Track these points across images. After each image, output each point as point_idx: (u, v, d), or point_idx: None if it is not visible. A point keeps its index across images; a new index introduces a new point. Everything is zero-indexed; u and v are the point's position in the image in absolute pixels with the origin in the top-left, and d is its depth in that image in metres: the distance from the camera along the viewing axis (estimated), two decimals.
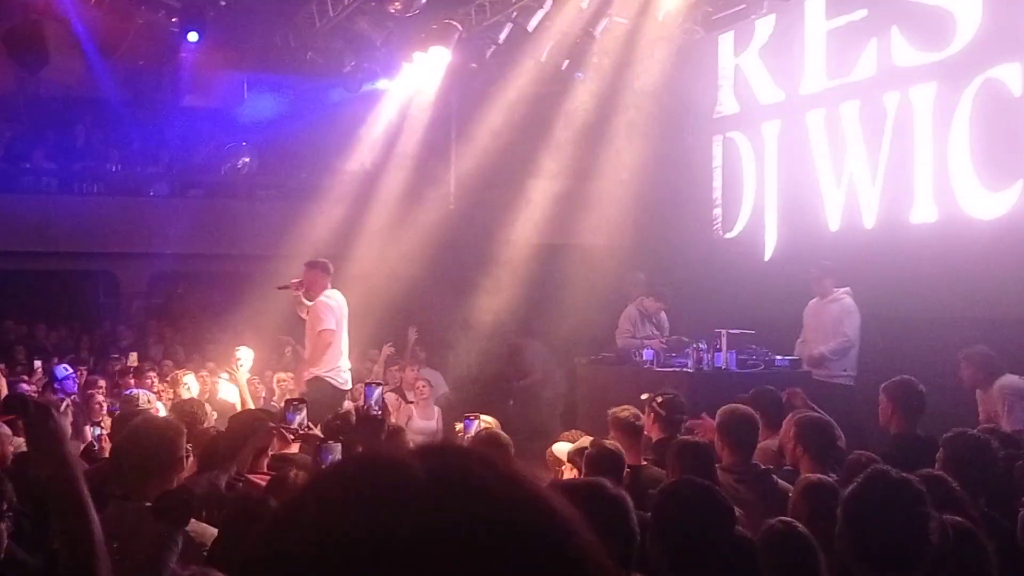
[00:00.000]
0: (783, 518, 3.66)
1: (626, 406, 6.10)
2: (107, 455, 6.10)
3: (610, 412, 6.06)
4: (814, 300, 9.94)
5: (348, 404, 9.63)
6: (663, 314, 11.00)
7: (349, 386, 9.38)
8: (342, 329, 9.38)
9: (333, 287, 9.59)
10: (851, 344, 9.59)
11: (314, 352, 9.35)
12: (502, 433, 5.89)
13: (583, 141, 13.49)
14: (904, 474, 3.37)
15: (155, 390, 9.56)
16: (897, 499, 3.18)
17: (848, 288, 9.72)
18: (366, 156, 15.55)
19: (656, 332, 10.82)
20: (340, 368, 9.37)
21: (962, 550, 3.41)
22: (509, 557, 0.81)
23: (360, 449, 5.37)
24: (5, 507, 3.80)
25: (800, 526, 3.54)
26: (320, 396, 8.56)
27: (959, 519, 3.58)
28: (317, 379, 9.19)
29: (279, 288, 9.82)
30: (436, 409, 10.80)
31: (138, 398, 7.38)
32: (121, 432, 5.08)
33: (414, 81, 13.87)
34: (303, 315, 9.51)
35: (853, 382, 9.42)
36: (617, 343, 10.79)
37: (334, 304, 9.36)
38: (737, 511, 3.79)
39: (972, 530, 3.58)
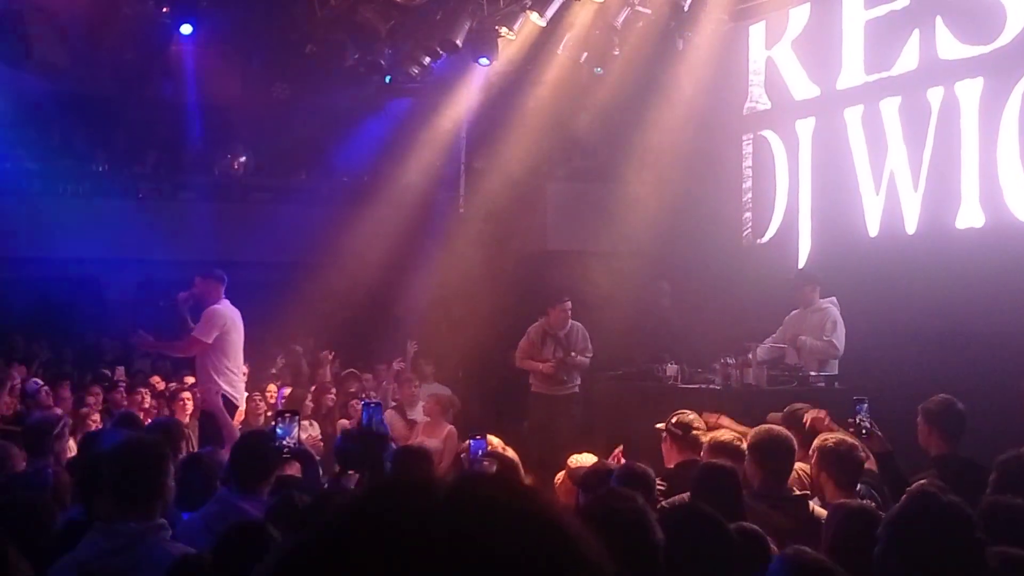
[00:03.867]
0: (798, 547, 3.65)
1: (724, 430, 6.18)
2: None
3: (711, 436, 6.10)
4: (796, 311, 9.91)
5: (343, 422, 9.82)
6: (576, 331, 10.91)
7: (242, 404, 9.74)
8: (236, 342, 9.60)
9: (327, 296, 9.76)
10: (837, 354, 9.56)
11: (172, 346, 9.92)
12: (508, 453, 5.95)
13: (603, 141, 13.50)
14: (952, 498, 3.41)
15: (146, 406, 9.68)
16: (947, 522, 3.23)
17: (834, 298, 9.68)
18: (369, 156, 15.60)
19: (560, 355, 10.79)
20: (238, 381, 9.66)
21: None
22: None
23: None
24: None
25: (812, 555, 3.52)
26: (222, 412, 8.96)
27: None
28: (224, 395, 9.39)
29: (162, 305, 10.27)
30: (447, 427, 10.74)
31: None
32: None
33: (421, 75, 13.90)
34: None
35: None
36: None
37: (228, 317, 9.57)
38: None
39: None
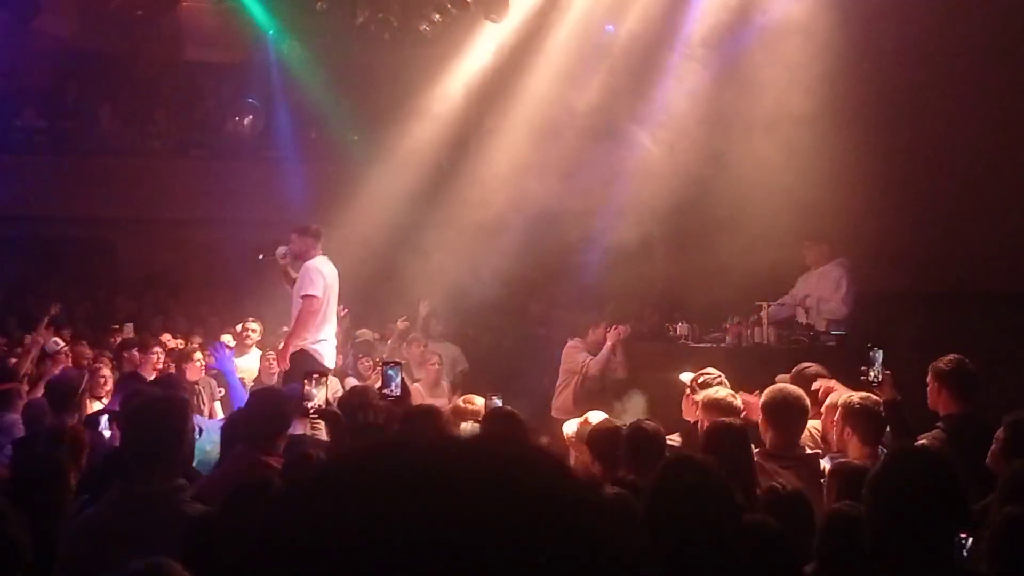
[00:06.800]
0: (848, 503, 3.66)
1: (719, 387, 6.17)
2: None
3: (706, 395, 6.09)
4: (808, 271, 9.93)
5: (352, 381, 9.71)
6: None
7: (332, 364, 9.30)
8: (330, 300, 9.26)
9: (339, 256, 9.58)
10: (847, 314, 9.55)
11: (298, 319, 9.14)
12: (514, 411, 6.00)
13: (615, 98, 13.43)
14: (936, 450, 3.34)
15: (159, 366, 9.70)
16: (924, 475, 3.11)
17: (842, 259, 9.67)
18: (378, 114, 15.53)
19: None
20: (327, 342, 9.29)
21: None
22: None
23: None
24: None
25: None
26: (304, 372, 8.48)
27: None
28: (303, 352, 9.06)
29: (261, 258, 9.78)
30: (446, 386, 10.82)
31: None
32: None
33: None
34: (290, 287, 9.39)
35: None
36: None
37: (326, 271, 9.23)
38: None
39: None
